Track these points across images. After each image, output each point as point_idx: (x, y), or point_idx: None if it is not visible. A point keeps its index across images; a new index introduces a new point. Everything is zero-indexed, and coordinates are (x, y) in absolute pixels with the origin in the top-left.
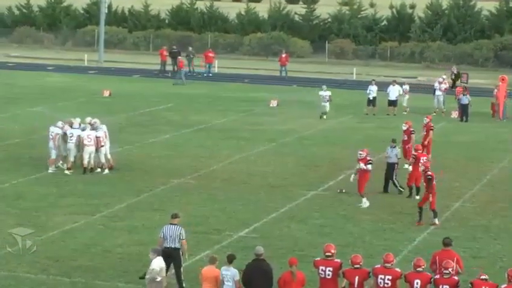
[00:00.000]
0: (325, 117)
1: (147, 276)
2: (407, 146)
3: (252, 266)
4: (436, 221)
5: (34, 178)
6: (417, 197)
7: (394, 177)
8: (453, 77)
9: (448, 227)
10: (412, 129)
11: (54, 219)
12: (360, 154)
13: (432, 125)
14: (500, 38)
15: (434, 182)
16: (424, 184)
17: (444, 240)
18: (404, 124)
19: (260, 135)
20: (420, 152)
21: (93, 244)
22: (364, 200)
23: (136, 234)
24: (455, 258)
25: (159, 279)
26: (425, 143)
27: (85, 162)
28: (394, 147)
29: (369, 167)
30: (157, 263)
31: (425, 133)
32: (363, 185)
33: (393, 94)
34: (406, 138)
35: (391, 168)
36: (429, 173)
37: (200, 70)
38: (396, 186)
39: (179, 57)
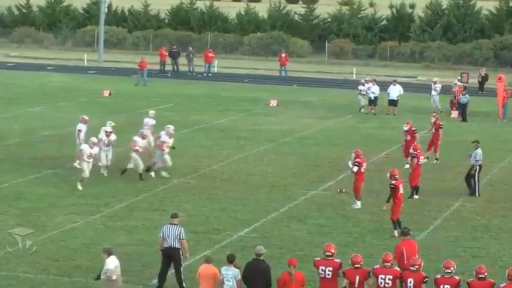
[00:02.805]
0: (362, 110)
1: (102, 277)
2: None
3: (250, 265)
4: (395, 232)
5: (34, 178)
6: (416, 197)
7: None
8: (480, 79)
9: (448, 226)
10: (414, 129)
11: (54, 219)
12: (353, 155)
13: (440, 123)
14: (500, 37)
15: (400, 193)
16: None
17: (403, 230)
18: (405, 124)
19: (260, 135)
20: (419, 151)
21: (93, 244)
22: (359, 202)
23: (136, 234)
24: (416, 246)
25: (114, 277)
26: (438, 142)
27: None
28: (476, 148)
29: (355, 169)
30: (112, 262)
31: (434, 131)
32: (357, 187)
33: (394, 94)
34: (409, 138)
35: (472, 169)
36: (393, 182)
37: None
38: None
39: (142, 57)
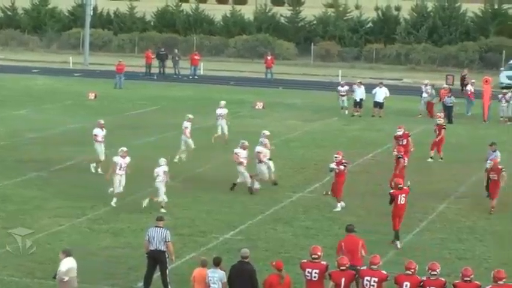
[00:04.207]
0: (346, 112)
1: (56, 277)
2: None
3: (236, 268)
4: (398, 244)
5: (19, 181)
6: None
7: None
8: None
9: (433, 228)
10: (408, 132)
11: (40, 222)
12: (336, 157)
13: (443, 124)
14: (485, 39)
15: (399, 203)
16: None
17: (347, 227)
18: (398, 129)
19: (246, 137)
20: (402, 153)
21: (79, 247)
22: (339, 204)
23: (121, 237)
24: (359, 243)
25: (66, 279)
26: (441, 142)
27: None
28: (495, 150)
29: (341, 167)
30: (65, 264)
31: (438, 132)
32: (339, 188)
33: (380, 96)
34: (405, 143)
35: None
36: (391, 191)
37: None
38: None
39: (120, 60)
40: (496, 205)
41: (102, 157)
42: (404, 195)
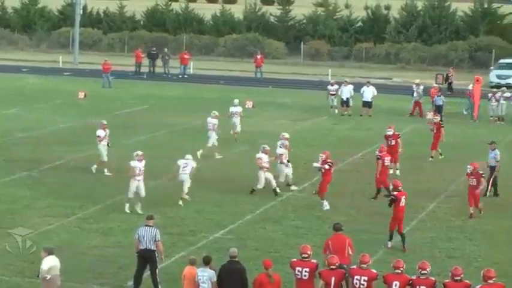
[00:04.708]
0: (336, 111)
1: (39, 276)
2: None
3: (226, 267)
4: (389, 244)
5: (9, 180)
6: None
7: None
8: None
9: (423, 227)
10: (398, 133)
11: (29, 221)
12: (321, 156)
13: (441, 122)
14: (474, 39)
15: (401, 205)
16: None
17: (335, 225)
18: (388, 129)
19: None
20: (384, 153)
21: (68, 246)
22: (326, 203)
23: (111, 236)
24: (347, 241)
25: (48, 277)
26: (437, 141)
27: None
28: (494, 149)
29: (326, 166)
30: (47, 262)
31: (435, 131)
32: (324, 187)
33: (368, 95)
34: (393, 143)
35: (490, 171)
36: (395, 193)
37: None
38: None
39: (106, 59)
40: (483, 207)
41: (105, 158)
42: (404, 196)
